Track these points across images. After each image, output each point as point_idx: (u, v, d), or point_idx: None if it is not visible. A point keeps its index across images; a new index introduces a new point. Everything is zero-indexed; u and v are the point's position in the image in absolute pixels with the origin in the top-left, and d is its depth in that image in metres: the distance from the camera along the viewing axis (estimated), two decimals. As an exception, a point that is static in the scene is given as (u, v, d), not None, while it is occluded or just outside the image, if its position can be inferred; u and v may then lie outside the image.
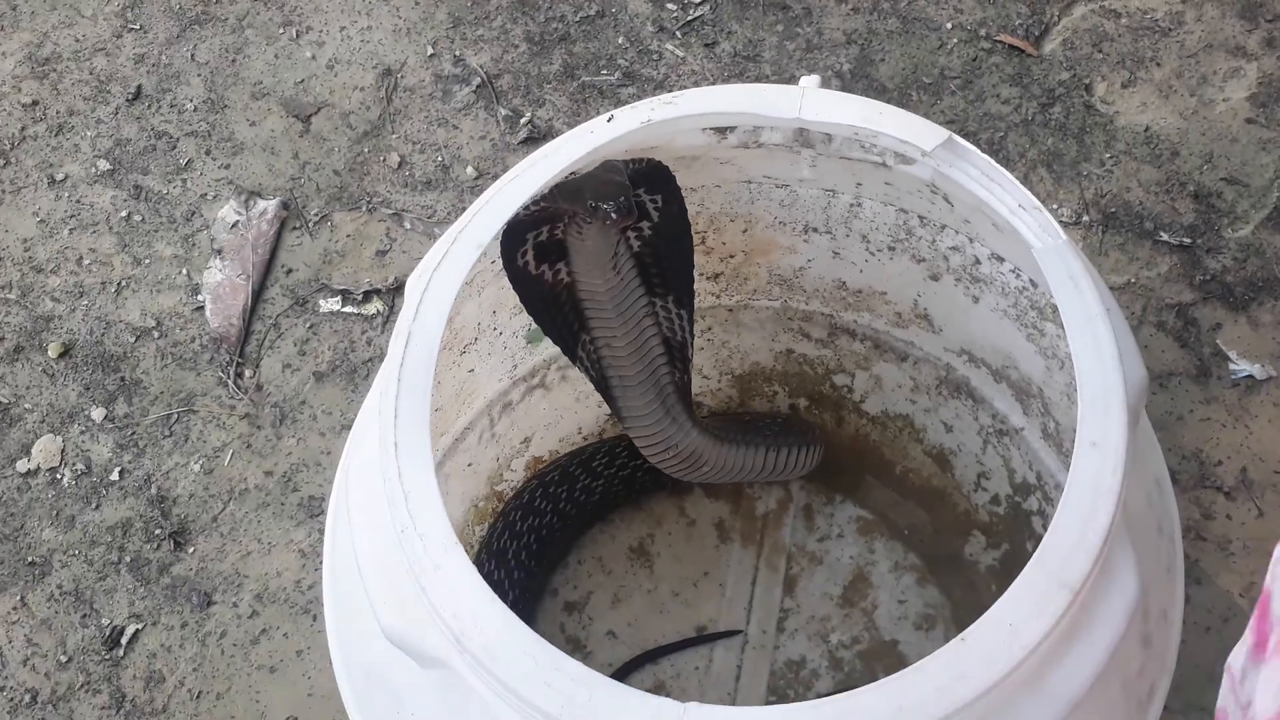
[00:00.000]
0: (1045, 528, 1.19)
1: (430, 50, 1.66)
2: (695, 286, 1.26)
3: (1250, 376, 1.40)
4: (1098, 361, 0.85)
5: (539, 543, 1.30)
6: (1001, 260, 1.10)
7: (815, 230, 1.19)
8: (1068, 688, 0.80)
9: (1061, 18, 1.65)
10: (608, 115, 0.96)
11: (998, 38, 1.63)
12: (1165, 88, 1.59)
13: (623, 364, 1.06)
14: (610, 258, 1.02)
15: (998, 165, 0.94)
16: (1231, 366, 1.41)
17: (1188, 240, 1.49)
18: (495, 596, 0.80)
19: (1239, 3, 1.63)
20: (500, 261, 1.10)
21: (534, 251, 1.01)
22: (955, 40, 1.63)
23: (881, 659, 1.28)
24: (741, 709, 0.75)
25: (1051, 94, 1.59)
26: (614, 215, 0.91)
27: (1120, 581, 0.82)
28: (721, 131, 1.04)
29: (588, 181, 0.95)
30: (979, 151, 0.94)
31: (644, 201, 1.03)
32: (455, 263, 0.91)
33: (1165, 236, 1.49)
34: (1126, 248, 1.49)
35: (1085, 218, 1.51)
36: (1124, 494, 0.81)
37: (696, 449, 1.12)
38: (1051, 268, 0.89)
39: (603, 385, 1.09)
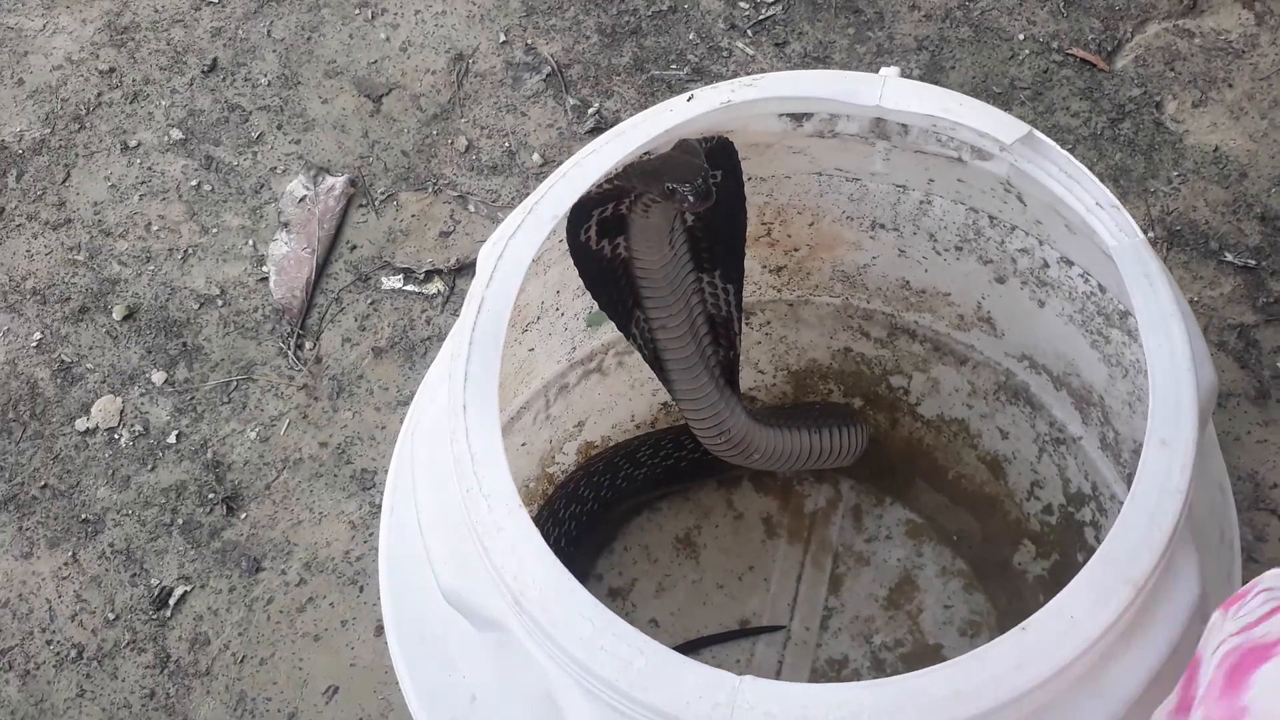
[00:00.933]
0: (1098, 539, 1.19)
1: (503, 37, 1.67)
2: (756, 279, 1.27)
3: (1311, 401, 1.39)
4: (1170, 360, 0.84)
5: (579, 529, 1.31)
6: (1071, 264, 1.09)
7: (883, 227, 1.19)
8: (1125, 686, 0.79)
9: (1135, 35, 1.64)
10: (688, 95, 0.96)
11: (1070, 51, 1.63)
12: (1236, 109, 1.58)
13: (676, 343, 1.07)
14: (668, 233, 1.02)
15: (1077, 162, 0.94)
16: (1293, 390, 1.40)
17: (1252, 262, 1.48)
18: (556, 560, 0.80)
19: (1316, 28, 1.62)
20: (566, 242, 1.11)
21: (597, 227, 1.01)
22: (1027, 51, 1.63)
23: (924, 662, 1.26)
24: (796, 685, 0.75)
25: (1121, 109, 1.58)
26: (691, 199, 0.90)
27: (1183, 581, 0.81)
28: (798, 119, 1.04)
29: (665, 163, 0.95)
30: (1058, 147, 0.94)
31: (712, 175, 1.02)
32: (530, 232, 0.92)
33: (1230, 257, 1.48)
34: (1190, 266, 1.48)
35: (1150, 234, 1.50)
36: (1190, 494, 0.81)
37: (746, 432, 1.12)
38: (1128, 265, 0.88)
39: (656, 363, 1.09)
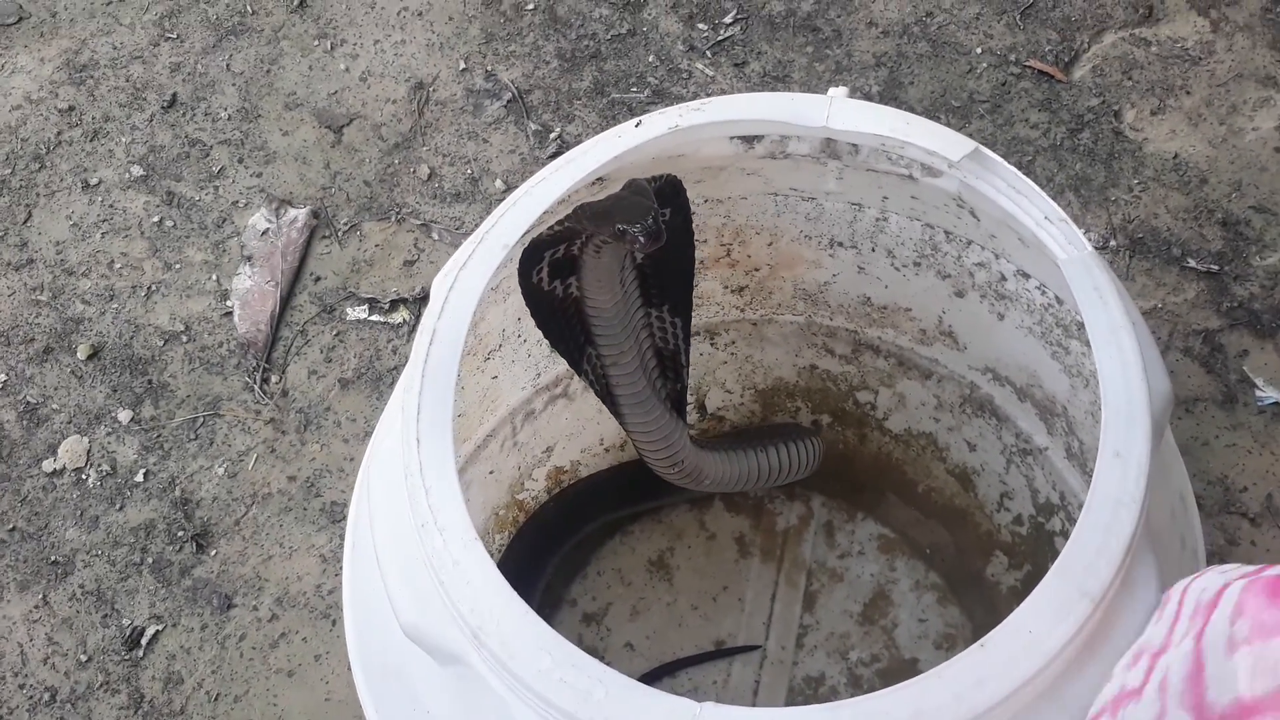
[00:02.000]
0: (1068, 548, 1.19)
1: (462, 65, 1.67)
2: (719, 299, 1.27)
3: (1277, 404, 1.39)
4: (1122, 372, 0.85)
5: (543, 549, 1.31)
6: (1027, 276, 1.10)
7: (841, 245, 1.20)
8: (1087, 698, 0.79)
9: (1091, 45, 1.65)
10: (635, 120, 0.97)
11: (1027, 63, 1.63)
12: (1195, 116, 1.59)
13: (625, 377, 1.07)
14: (619, 273, 1.02)
15: (1024, 177, 0.94)
16: (1258, 393, 1.40)
17: (1215, 267, 1.48)
18: (514, 593, 0.80)
19: (1270, 33, 1.63)
20: (519, 282, 1.11)
21: (549, 268, 1.01)
22: (985, 65, 1.64)
23: (901, 677, 1.25)
24: (757, 710, 0.75)
25: (1080, 120, 1.59)
26: (642, 239, 0.90)
27: (1142, 593, 0.81)
28: (749, 141, 1.04)
29: (615, 204, 0.94)
30: (1005, 163, 0.95)
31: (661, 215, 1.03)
32: (481, 262, 0.92)
33: (1193, 263, 1.49)
34: (1153, 273, 1.49)
35: (1112, 243, 1.50)
36: (1147, 505, 0.81)
37: (696, 459, 1.13)
38: (1077, 279, 0.89)
39: (608, 398, 1.09)
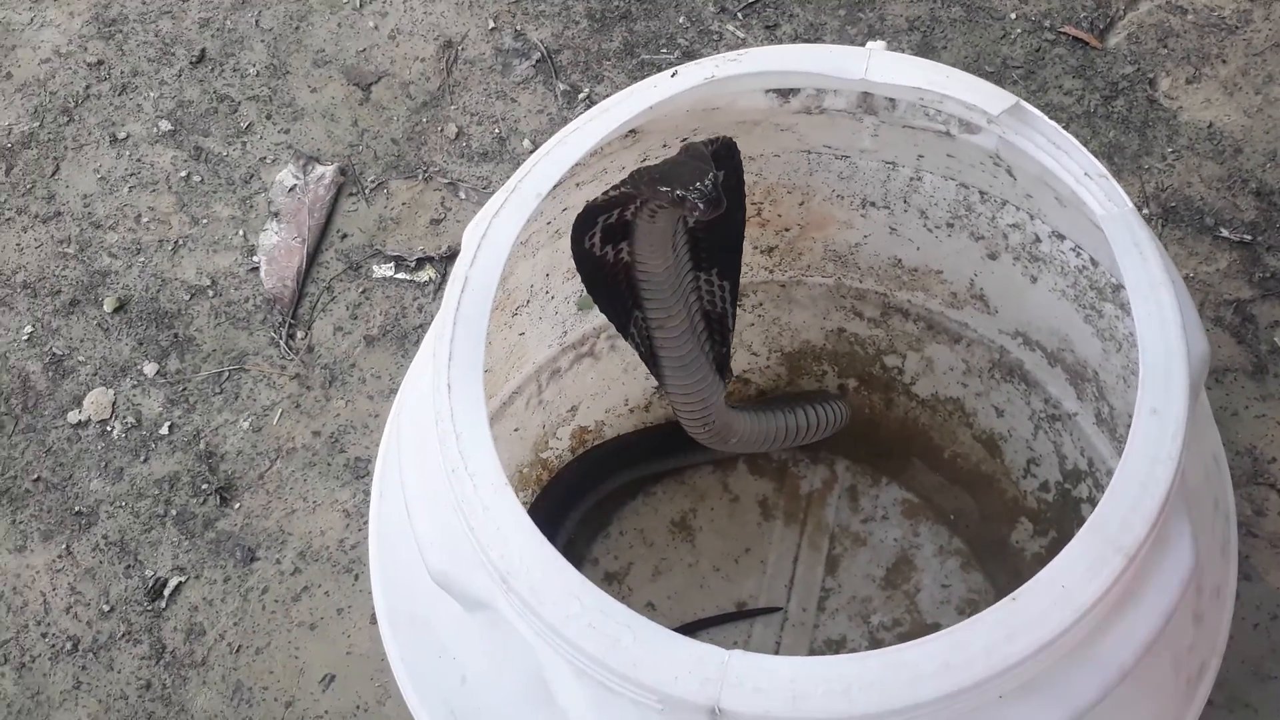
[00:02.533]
0: (1095, 515, 1.18)
1: (492, 24, 1.66)
2: (748, 260, 1.26)
3: (1309, 375, 1.38)
4: (1161, 329, 0.84)
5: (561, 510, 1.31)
6: (1062, 238, 1.08)
7: (873, 204, 1.19)
8: (1118, 656, 0.79)
9: (1127, 12, 1.63)
10: (671, 70, 0.96)
11: (1062, 29, 1.62)
12: (1230, 85, 1.57)
13: (674, 343, 1.06)
14: (671, 238, 1.02)
15: (1064, 132, 0.93)
16: (1290, 365, 1.39)
17: (1248, 237, 1.47)
18: (544, 538, 0.79)
19: (1309, 2, 1.61)
20: (555, 223, 1.11)
21: (602, 233, 1.00)
22: (1019, 30, 1.62)
23: (923, 642, 1.27)
24: (786, 659, 0.75)
25: (1115, 87, 1.57)
26: (701, 205, 0.89)
27: (1176, 551, 0.80)
28: (784, 95, 1.03)
29: (674, 168, 0.93)
30: (1046, 118, 0.93)
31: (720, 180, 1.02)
32: (514, 210, 0.91)
33: (1225, 233, 1.47)
34: (1186, 242, 1.47)
35: (1145, 211, 1.49)
36: (1182, 462, 0.80)
37: (728, 422, 1.13)
38: (1117, 235, 0.88)
39: (651, 360, 1.09)
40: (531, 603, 0.78)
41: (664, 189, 0.89)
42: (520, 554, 0.79)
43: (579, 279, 1.19)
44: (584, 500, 1.34)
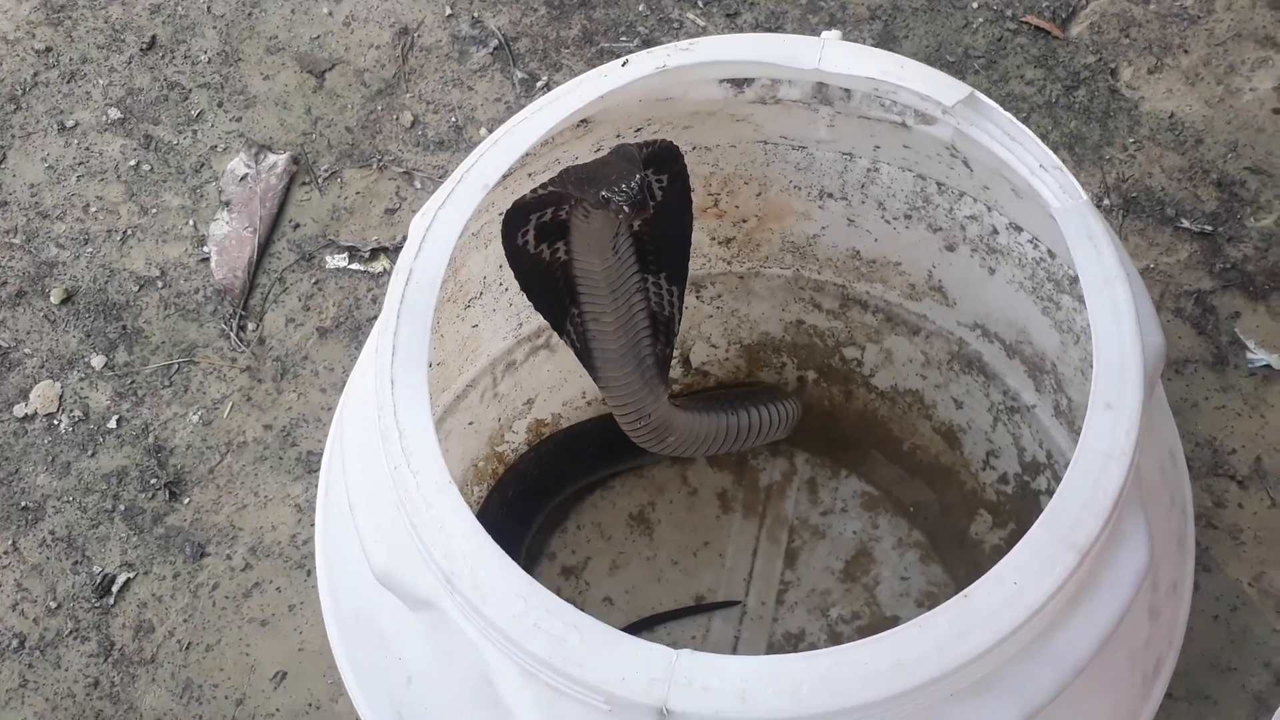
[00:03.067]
0: (1053, 507, 1.18)
1: (448, 10, 1.64)
2: (706, 251, 1.25)
3: (1268, 366, 1.38)
4: (1115, 323, 0.83)
5: (525, 508, 1.29)
6: (1020, 230, 1.07)
7: (831, 196, 1.17)
8: (1073, 652, 0.78)
9: (1090, 1, 1.62)
10: (622, 60, 0.94)
11: (1024, 19, 1.61)
12: (1192, 75, 1.56)
13: (607, 337, 1.05)
14: (611, 239, 1.00)
15: (1019, 124, 0.92)
16: (1249, 355, 1.39)
17: (1209, 228, 1.46)
18: (488, 537, 0.78)
19: (1270, -8, 1.61)
20: (502, 243, 1.09)
21: (535, 232, 0.99)
22: (981, 20, 1.61)
23: (881, 636, 1.26)
24: (734, 658, 0.73)
25: (1076, 77, 1.57)
26: (626, 209, 0.88)
27: (1130, 547, 0.79)
28: (739, 84, 1.02)
29: (601, 169, 0.92)
30: (1000, 109, 0.92)
31: (650, 182, 1.01)
32: (461, 201, 0.89)
33: (1186, 223, 1.47)
34: (1147, 233, 1.47)
35: (1106, 202, 1.48)
36: (1137, 458, 0.79)
37: (666, 418, 1.11)
38: (1071, 227, 0.87)
39: (585, 355, 1.07)
40: (476, 602, 0.76)
41: (590, 189, 0.88)
42: (464, 553, 0.77)
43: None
44: (551, 498, 1.33)
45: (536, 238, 0.98)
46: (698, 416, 1.17)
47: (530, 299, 1.04)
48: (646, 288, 1.05)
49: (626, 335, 1.05)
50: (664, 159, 1.00)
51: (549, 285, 1.02)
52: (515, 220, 0.97)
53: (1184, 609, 0.94)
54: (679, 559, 1.31)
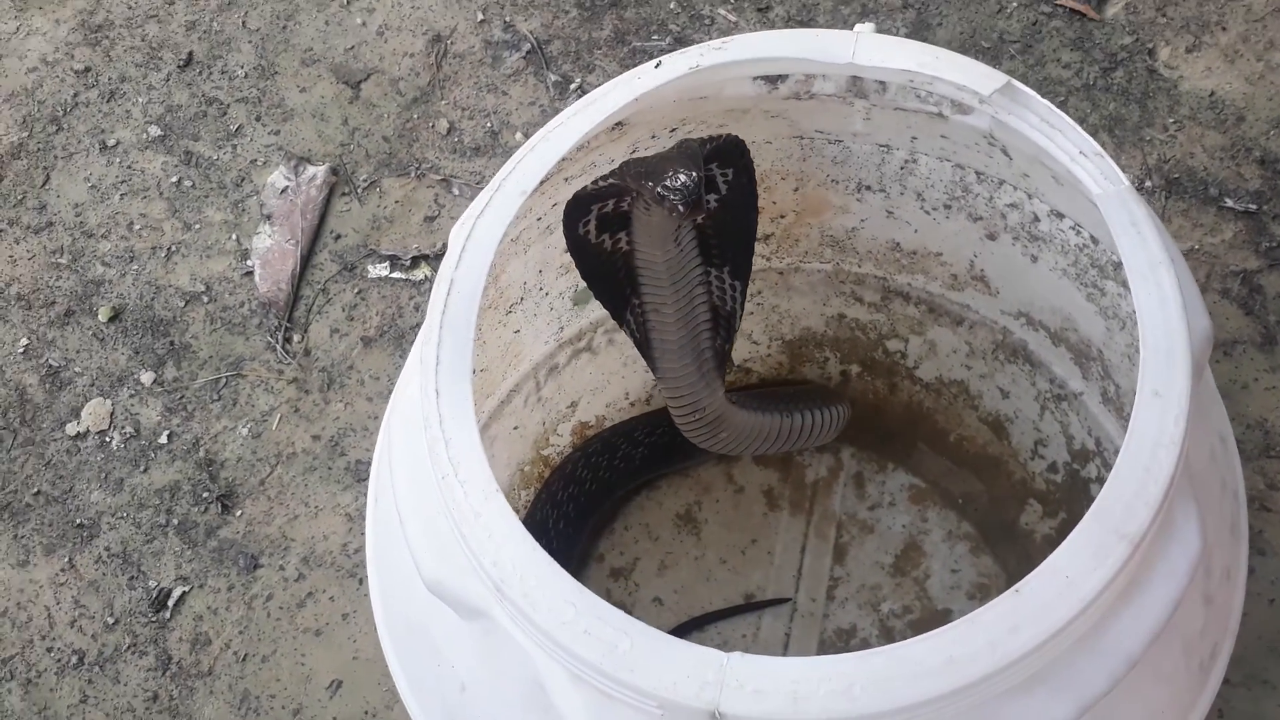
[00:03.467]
0: (1104, 495, 1.16)
1: (480, 16, 1.65)
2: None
3: (1319, 345, 1.36)
4: (1161, 309, 0.82)
5: (578, 510, 1.29)
6: (1061, 217, 1.07)
7: (869, 188, 1.17)
8: (1126, 645, 0.77)
9: (1124, -19, 1.61)
10: (656, 61, 0.94)
11: (1058, 2, 1.59)
12: (1231, 52, 1.54)
13: (668, 329, 1.05)
14: (674, 232, 1.00)
15: (1058, 111, 0.91)
16: (1299, 335, 1.37)
17: (1253, 206, 1.44)
18: (536, 544, 0.78)
19: (1309, -36, 1.58)
20: (546, 219, 1.09)
21: (597, 222, 0.99)
22: (1015, 4, 1.60)
23: (933, 628, 1.25)
24: (786, 659, 0.73)
25: (1113, 58, 1.55)
26: (681, 209, 0.88)
27: (1182, 535, 0.79)
28: (772, 81, 1.02)
29: (661, 164, 0.92)
30: (1038, 97, 0.91)
31: (714, 175, 1.00)
32: (499, 209, 0.90)
33: (1230, 203, 1.45)
34: (1190, 214, 1.45)
35: (1148, 183, 1.47)
36: (1186, 445, 0.78)
37: (720, 414, 1.10)
38: (1114, 214, 0.86)
39: (644, 346, 1.07)
40: (526, 610, 0.76)
41: (647, 184, 0.88)
42: (513, 560, 0.77)
43: (573, 274, 1.18)
44: (601, 501, 1.33)
45: (598, 228, 0.98)
46: (752, 415, 1.17)
47: (590, 288, 1.04)
48: (709, 281, 1.05)
49: (687, 328, 1.05)
50: (729, 153, 1.00)
51: (610, 275, 1.02)
52: (576, 211, 0.97)
53: (1239, 595, 0.93)
54: (727, 558, 1.31)
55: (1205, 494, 0.86)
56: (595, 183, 0.95)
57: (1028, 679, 0.75)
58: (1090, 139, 0.90)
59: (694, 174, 0.87)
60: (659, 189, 0.87)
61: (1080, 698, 0.76)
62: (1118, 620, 0.77)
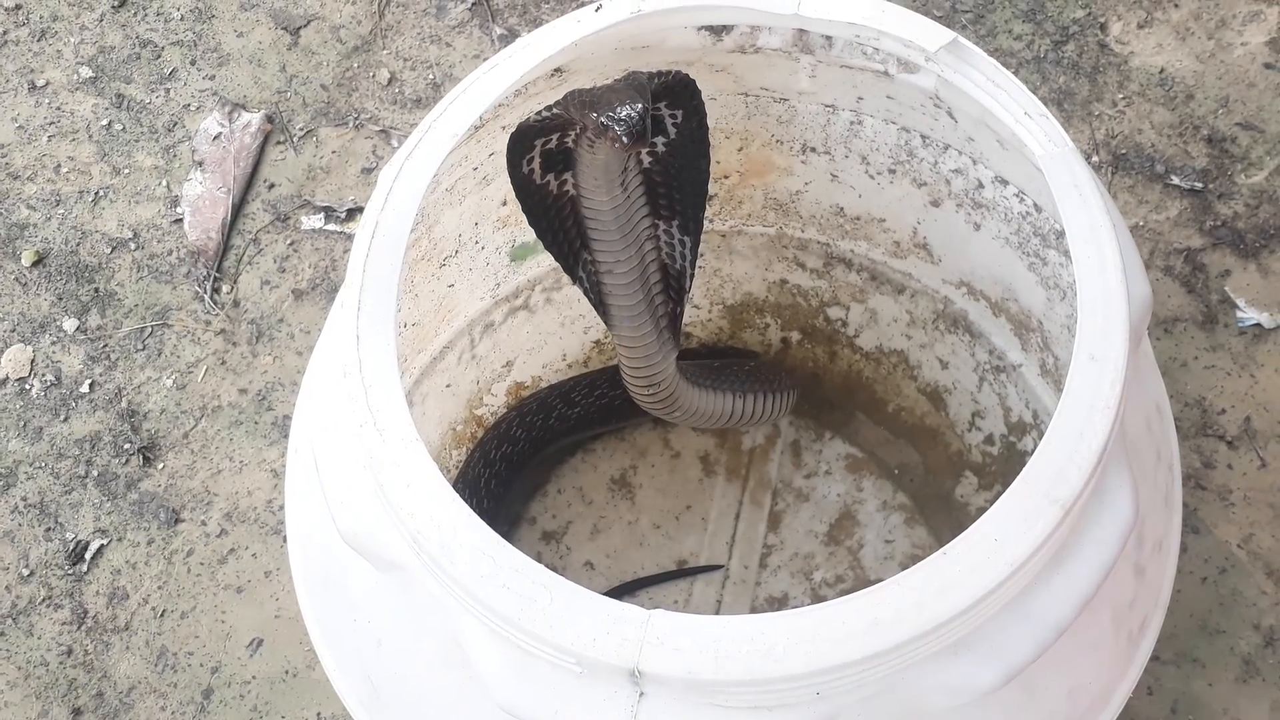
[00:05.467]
0: (1040, 468, 1.16)
1: (426, -34, 1.61)
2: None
3: (1258, 325, 1.36)
4: (1100, 273, 0.81)
5: (509, 470, 1.27)
6: (1005, 183, 1.05)
7: (813, 150, 1.15)
8: (1055, 611, 0.76)
9: (1078, -45, 1.59)
10: (596, 4, 0.91)
11: (1012, -27, 1.58)
12: (1182, 29, 1.54)
13: (622, 290, 1.02)
14: (619, 174, 0.97)
15: (1004, 70, 0.89)
16: (1239, 314, 1.36)
17: (1199, 185, 1.44)
18: (455, 495, 0.76)
19: (1263, -55, 1.58)
20: (483, 169, 1.06)
21: (540, 159, 0.95)
22: (968, -26, 1.58)
23: (866, 599, 1.25)
24: (708, 618, 0.72)
25: (1065, 32, 1.54)
26: (624, 139, 0.84)
27: (1115, 503, 0.78)
28: (717, 32, 0.99)
29: (606, 94, 0.88)
30: (984, 54, 0.90)
31: (663, 116, 0.97)
32: (429, 151, 0.87)
33: (1176, 180, 1.44)
34: (1136, 190, 1.44)
35: (1095, 158, 1.46)
36: (1122, 411, 0.77)
37: (675, 387, 1.08)
38: (1056, 175, 0.84)
39: (600, 306, 1.04)
40: (443, 562, 0.74)
41: (591, 114, 0.85)
42: (431, 511, 0.75)
43: (510, 229, 1.16)
44: (528, 462, 1.31)
45: (542, 166, 0.95)
46: (708, 395, 1.14)
47: (539, 236, 1.00)
48: (658, 235, 1.02)
49: (642, 289, 1.02)
50: (679, 93, 0.96)
51: (557, 222, 0.99)
52: (519, 145, 0.93)
53: (1170, 567, 0.92)
54: (661, 523, 1.29)
55: (1140, 463, 0.85)
56: (539, 114, 0.92)
57: (955, 643, 0.74)
58: (1035, 99, 0.89)
59: (639, 105, 0.84)
60: (602, 119, 0.84)
61: (1008, 664, 0.75)
62: (1047, 587, 0.76)
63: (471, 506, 0.76)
